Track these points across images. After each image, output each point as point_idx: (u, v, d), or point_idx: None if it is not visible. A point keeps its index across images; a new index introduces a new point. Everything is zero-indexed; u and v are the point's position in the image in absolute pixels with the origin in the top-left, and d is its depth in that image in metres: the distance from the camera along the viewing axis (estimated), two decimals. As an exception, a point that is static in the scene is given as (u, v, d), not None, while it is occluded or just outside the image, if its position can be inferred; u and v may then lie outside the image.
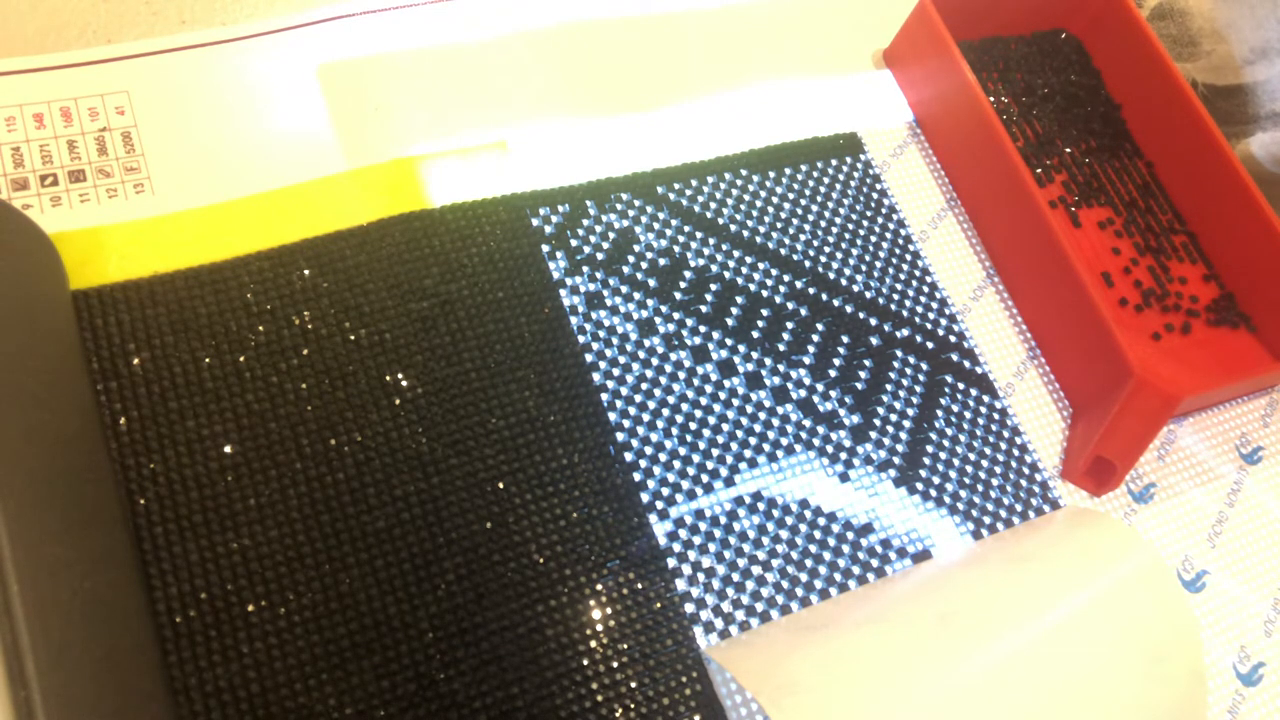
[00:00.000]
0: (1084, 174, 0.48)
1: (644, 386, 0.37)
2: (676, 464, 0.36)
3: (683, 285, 0.40)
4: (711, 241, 0.41)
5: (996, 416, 0.41)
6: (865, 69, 0.48)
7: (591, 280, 0.39)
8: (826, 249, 0.42)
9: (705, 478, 0.36)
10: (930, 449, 0.39)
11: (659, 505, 0.35)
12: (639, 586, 0.34)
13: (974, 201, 0.45)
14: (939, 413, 0.40)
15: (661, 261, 0.40)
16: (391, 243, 0.37)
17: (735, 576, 0.35)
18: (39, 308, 0.31)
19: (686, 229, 0.41)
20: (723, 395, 0.38)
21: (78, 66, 0.38)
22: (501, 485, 0.34)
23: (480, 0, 0.44)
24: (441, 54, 0.42)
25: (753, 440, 0.37)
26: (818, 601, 0.35)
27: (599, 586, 0.33)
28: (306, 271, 0.36)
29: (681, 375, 0.38)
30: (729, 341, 0.39)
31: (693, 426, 0.37)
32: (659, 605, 0.34)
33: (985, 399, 0.41)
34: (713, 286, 0.40)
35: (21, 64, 0.37)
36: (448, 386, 0.35)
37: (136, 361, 0.33)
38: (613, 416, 0.36)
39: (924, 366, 0.41)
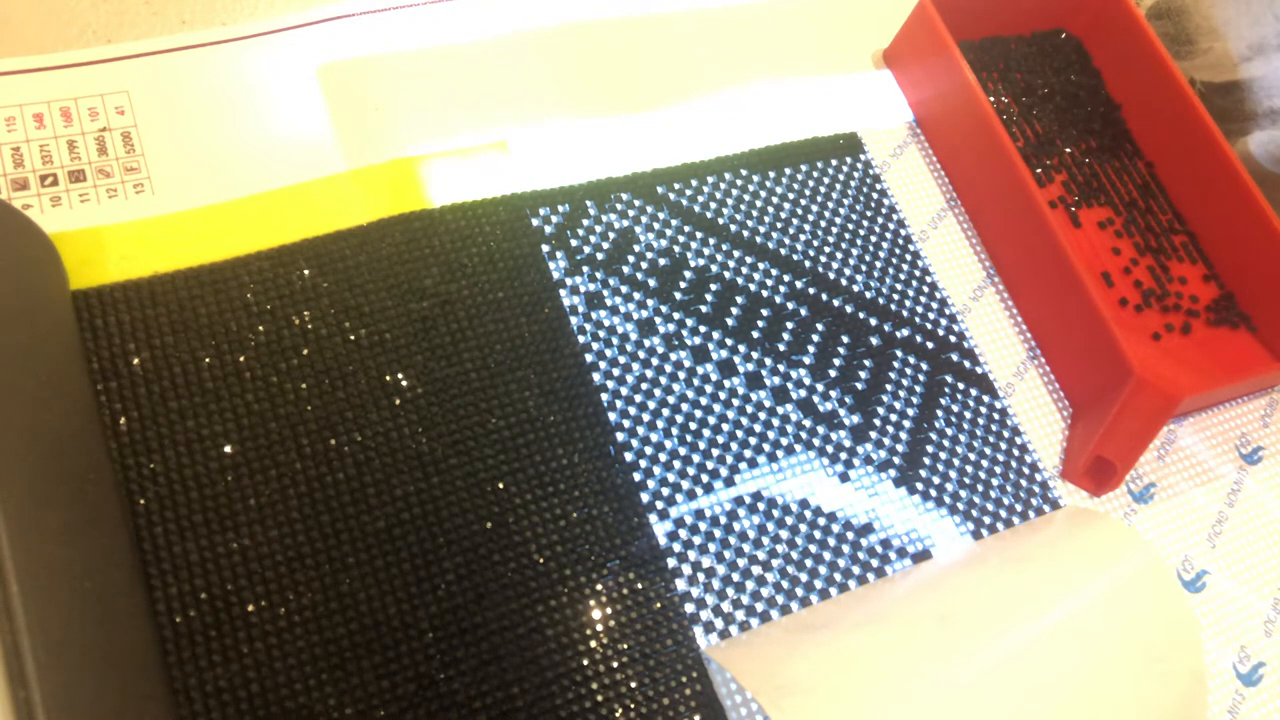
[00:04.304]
0: (1084, 174, 0.48)
1: (644, 386, 0.37)
2: (676, 464, 0.36)
3: (683, 285, 0.40)
4: (711, 241, 0.41)
5: (996, 416, 0.41)
6: (865, 69, 0.48)
7: (591, 280, 0.39)
8: (826, 249, 0.42)
9: (705, 478, 0.36)
10: (930, 449, 0.39)
11: (659, 505, 0.35)
12: (639, 586, 0.34)
13: (974, 201, 0.45)
14: (939, 413, 0.40)
15: (661, 261, 0.40)
16: (391, 243, 0.37)
17: (735, 576, 0.35)
18: (39, 308, 0.31)
19: (686, 229, 0.41)
20: (723, 395, 0.38)
21: (78, 66, 0.38)
22: (501, 485, 0.34)
23: (480, 0, 0.44)
24: (441, 54, 0.42)
25: (753, 440, 0.37)
26: (818, 601, 0.35)
27: (599, 586, 0.33)
28: (306, 271, 0.36)
29: (681, 375, 0.38)
30: (729, 341, 0.39)
31: (693, 426, 0.37)
32: (659, 605, 0.34)
33: (985, 399, 0.41)
34: (713, 286, 0.40)
35: (21, 64, 0.37)
36: (448, 386, 0.35)
37: (136, 361, 0.33)
38: (613, 416, 0.36)
39: (924, 366, 0.41)
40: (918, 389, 0.40)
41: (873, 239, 0.43)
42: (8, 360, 0.28)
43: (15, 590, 0.24)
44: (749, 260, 0.41)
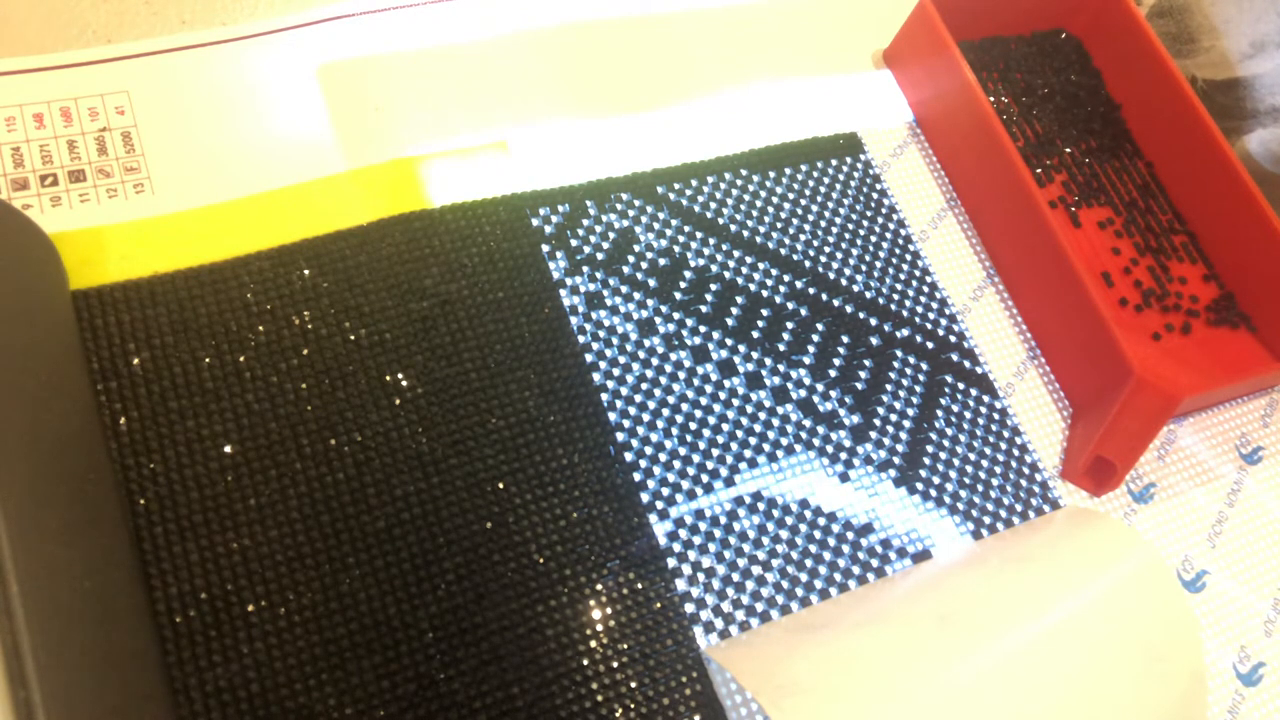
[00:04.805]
0: (1084, 174, 0.48)
1: (644, 386, 0.37)
2: (676, 464, 0.36)
3: (683, 285, 0.40)
4: (711, 241, 0.41)
5: (996, 416, 0.41)
6: (865, 69, 0.48)
7: (591, 280, 0.39)
8: (826, 249, 0.42)
9: (705, 478, 0.36)
10: (930, 449, 0.39)
11: (659, 505, 0.35)
12: (639, 586, 0.34)
13: (974, 201, 0.45)
14: (939, 413, 0.40)
15: (661, 261, 0.40)
16: (391, 243, 0.37)
17: (735, 576, 0.35)
18: (39, 308, 0.31)
19: (686, 229, 0.41)
20: (723, 395, 0.38)
21: (78, 66, 0.38)
22: (501, 485, 0.34)
23: (480, 0, 0.44)
24: (441, 54, 0.42)
25: (753, 440, 0.37)
26: (818, 601, 0.35)
27: (599, 586, 0.33)
28: (306, 271, 0.36)
29: (681, 375, 0.38)
30: (729, 341, 0.39)
31: (693, 426, 0.37)
32: (659, 605, 0.34)
33: (985, 399, 0.41)
34: (713, 286, 0.40)
35: (21, 64, 0.38)
36: (448, 386, 0.35)
37: (136, 361, 0.33)
38: (613, 416, 0.36)
39: (924, 366, 0.41)
40: (918, 389, 0.40)
41: (873, 239, 0.43)
42: (8, 360, 0.28)
43: (15, 590, 0.24)
44: (749, 260, 0.41)
